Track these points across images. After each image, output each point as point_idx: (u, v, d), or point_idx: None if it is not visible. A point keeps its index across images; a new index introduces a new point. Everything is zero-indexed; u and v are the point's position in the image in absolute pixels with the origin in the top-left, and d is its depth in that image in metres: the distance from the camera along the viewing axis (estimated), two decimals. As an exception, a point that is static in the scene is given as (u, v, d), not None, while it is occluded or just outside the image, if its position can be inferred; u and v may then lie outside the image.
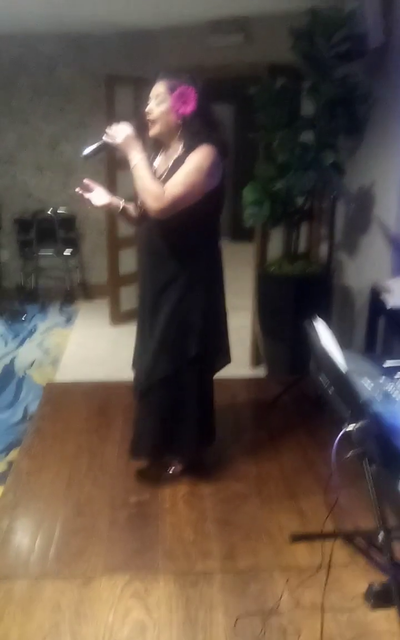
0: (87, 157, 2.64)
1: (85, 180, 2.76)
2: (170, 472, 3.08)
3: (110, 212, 2.81)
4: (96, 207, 2.78)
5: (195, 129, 2.55)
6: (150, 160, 2.70)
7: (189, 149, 2.55)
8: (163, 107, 2.55)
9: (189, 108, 2.51)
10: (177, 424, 2.86)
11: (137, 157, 2.57)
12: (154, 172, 2.66)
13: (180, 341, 2.74)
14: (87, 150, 2.64)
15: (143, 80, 2.65)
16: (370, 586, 2.26)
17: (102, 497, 2.93)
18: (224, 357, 2.94)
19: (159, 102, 2.56)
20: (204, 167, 2.51)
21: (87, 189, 2.77)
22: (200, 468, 3.11)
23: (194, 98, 2.50)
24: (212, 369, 2.94)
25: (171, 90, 2.52)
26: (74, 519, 2.77)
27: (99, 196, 2.77)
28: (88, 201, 2.77)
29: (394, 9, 3.42)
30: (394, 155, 3.45)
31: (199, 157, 2.51)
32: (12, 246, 6.47)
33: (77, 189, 2.76)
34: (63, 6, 4.50)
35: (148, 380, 2.84)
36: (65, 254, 6.36)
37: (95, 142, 2.64)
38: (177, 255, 2.70)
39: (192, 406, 2.85)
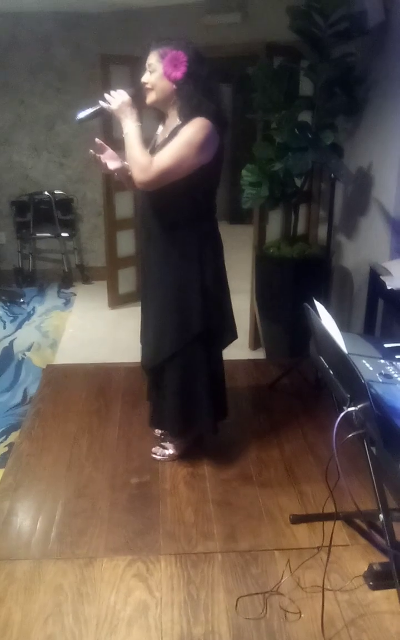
0: (81, 120, 2.60)
1: (97, 140, 2.72)
2: (162, 456, 3.09)
3: (120, 176, 2.77)
4: (110, 171, 2.75)
5: (187, 93, 2.48)
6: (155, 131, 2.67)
7: (185, 119, 2.49)
8: (156, 74, 2.51)
9: (180, 72, 2.46)
10: (191, 400, 2.87)
11: (130, 126, 2.53)
12: (154, 143, 2.62)
13: (182, 319, 2.73)
14: (82, 114, 2.60)
15: (138, 59, 2.61)
16: (370, 567, 2.28)
17: (103, 479, 2.94)
18: (229, 333, 2.93)
19: (152, 70, 2.52)
20: (195, 141, 2.45)
21: (101, 150, 2.74)
22: (199, 449, 3.12)
23: (185, 61, 2.45)
24: (219, 346, 2.93)
25: (162, 57, 2.48)
26: (75, 501, 2.79)
27: (112, 159, 2.74)
28: (104, 165, 2.74)
29: (393, -13, 3.38)
30: (393, 136, 3.43)
31: (192, 131, 2.45)
32: (9, 228, 6.43)
33: (90, 151, 2.72)
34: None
35: (155, 360, 2.86)
36: (62, 236, 6.33)
37: (91, 107, 2.60)
38: (168, 230, 2.67)
39: (204, 382, 2.84)
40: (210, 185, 2.68)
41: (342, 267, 4.36)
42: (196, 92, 2.48)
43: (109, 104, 2.55)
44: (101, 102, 2.58)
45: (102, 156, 2.75)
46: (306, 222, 4.65)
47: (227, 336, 2.93)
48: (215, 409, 2.95)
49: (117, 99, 2.54)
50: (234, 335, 2.96)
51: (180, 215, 2.66)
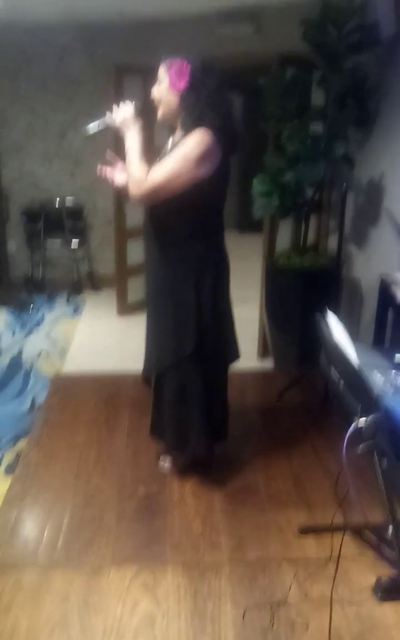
0: (91, 134, 2.62)
1: (109, 154, 2.72)
2: (168, 467, 3.08)
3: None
4: (117, 185, 2.76)
5: (189, 103, 2.43)
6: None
7: (186, 131, 2.44)
8: (163, 86, 2.49)
9: (183, 82, 2.43)
10: (185, 417, 2.80)
11: (131, 139, 2.53)
12: (162, 156, 2.62)
13: (176, 337, 2.67)
14: (90, 128, 2.61)
15: (151, 70, 2.62)
16: (378, 579, 2.27)
17: (111, 488, 2.94)
18: (231, 352, 2.85)
19: (160, 82, 2.51)
20: (193, 154, 2.38)
21: (112, 164, 2.73)
22: (208, 461, 3.10)
23: (188, 72, 2.42)
24: (219, 365, 2.85)
25: (169, 69, 2.47)
26: (83, 510, 2.78)
27: (120, 174, 2.76)
28: (111, 180, 2.75)
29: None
30: (405, 146, 3.43)
31: (190, 144, 2.40)
32: (19, 237, 6.46)
33: (98, 168, 2.74)
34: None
35: (151, 371, 2.84)
36: (72, 244, 6.35)
37: (99, 120, 2.62)
38: (167, 245, 2.63)
39: (199, 401, 2.77)
40: (213, 200, 2.61)
41: (352, 277, 4.35)
42: (198, 102, 2.43)
43: (113, 118, 2.57)
44: (107, 115, 2.59)
45: (110, 170, 2.75)
46: (316, 232, 4.65)
47: (227, 356, 2.86)
48: (213, 429, 2.88)
49: (120, 112, 2.55)
50: (235, 355, 2.88)
51: (182, 230, 2.59)
